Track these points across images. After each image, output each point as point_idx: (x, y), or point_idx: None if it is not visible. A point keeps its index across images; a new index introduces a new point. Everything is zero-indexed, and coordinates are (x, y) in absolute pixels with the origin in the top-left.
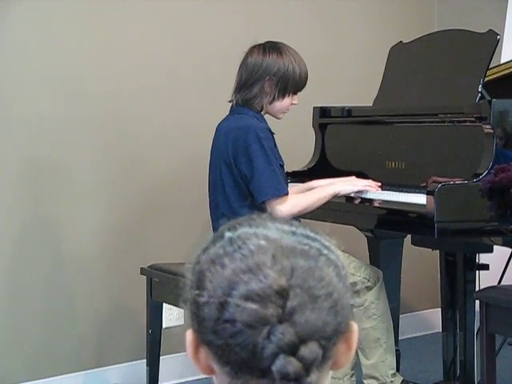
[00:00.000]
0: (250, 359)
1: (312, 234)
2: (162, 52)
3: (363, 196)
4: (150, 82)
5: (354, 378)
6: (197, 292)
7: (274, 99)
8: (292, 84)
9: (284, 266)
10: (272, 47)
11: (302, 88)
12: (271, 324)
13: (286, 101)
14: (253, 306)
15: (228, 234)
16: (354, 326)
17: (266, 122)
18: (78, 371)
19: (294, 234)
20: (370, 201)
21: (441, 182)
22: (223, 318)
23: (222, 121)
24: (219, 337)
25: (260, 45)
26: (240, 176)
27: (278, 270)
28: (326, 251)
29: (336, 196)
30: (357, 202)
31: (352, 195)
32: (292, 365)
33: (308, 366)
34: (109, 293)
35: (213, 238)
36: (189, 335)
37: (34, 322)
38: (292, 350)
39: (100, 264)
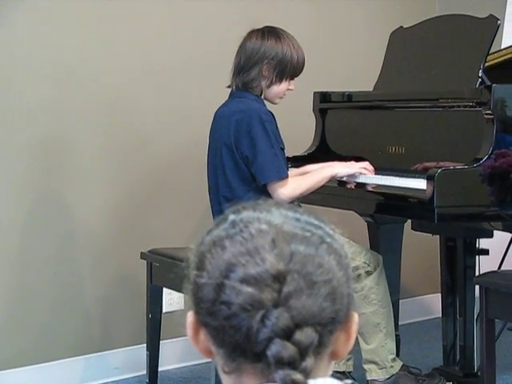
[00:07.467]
0: (244, 342)
1: (316, 222)
2: (164, 37)
3: (363, 181)
4: (153, 66)
5: (350, 362)
6: (197, 273)
7: (271, 83)
8: (290, 69)
9: (283, 250)
10: (270, 32)
11: (299, 73)
12: (266, 308)
13: (283, 85)
14: (249, 289)
15: (232, 217)
16: (355, 316)
17: (265, 105)
18: (78, 355)
19: (297, 220)
20: (371, 186)
21: (430, 167)
22: (220, 300)
23: (221, 106)
24: (215, 318)
25: (258, 29)
26: (241, 158)
27: (276, 255)
28: (328, 239)
29: (334, 178)
30: (357, 187)
31: (345, 179)
32: (287, 349)
33: (303, 351)
34: (109, 277)
35: (218, 220)
36: (189, 317)
37: (35, 307)
38: (287, 334)
39: (101, 247)
